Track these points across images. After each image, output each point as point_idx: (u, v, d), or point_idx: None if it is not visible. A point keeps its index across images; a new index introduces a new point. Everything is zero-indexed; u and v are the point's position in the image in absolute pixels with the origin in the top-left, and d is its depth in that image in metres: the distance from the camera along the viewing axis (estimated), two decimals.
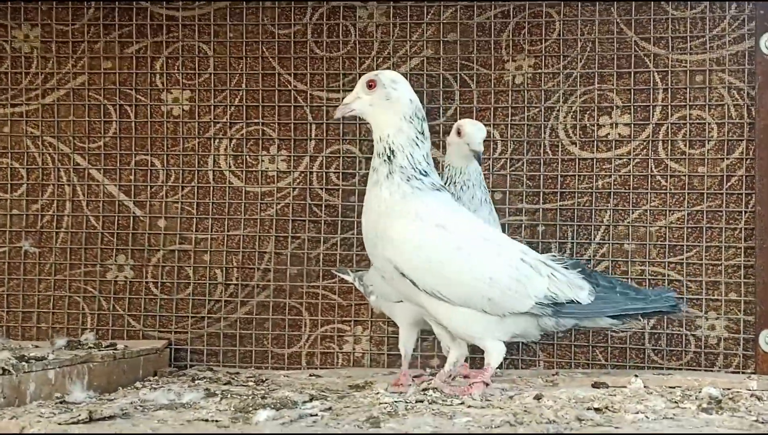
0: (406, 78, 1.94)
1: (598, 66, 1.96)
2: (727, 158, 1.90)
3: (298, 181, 2.05)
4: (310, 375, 1.85)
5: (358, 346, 2.02)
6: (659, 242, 1.92)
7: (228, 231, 2.07)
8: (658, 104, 1.94)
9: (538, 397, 1.30)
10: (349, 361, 2.02)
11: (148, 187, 2.10)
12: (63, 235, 2.11)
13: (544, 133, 1.98)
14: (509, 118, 2.00)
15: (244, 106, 2.07)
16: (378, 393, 1.34)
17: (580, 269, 1.39)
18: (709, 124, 1.91)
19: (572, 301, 1.34)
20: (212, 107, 2.08)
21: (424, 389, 1.36)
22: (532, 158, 1.98)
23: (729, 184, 1.90)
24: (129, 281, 2.09)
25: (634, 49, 1.95)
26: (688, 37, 1.92)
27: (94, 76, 2.11)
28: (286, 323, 2.03)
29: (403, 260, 1.32)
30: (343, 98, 1.93)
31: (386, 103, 1.37)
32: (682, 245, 1.91)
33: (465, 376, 1.54)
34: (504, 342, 1.38)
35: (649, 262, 1.93)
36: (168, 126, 2.09)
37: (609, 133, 1.96)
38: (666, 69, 1.93)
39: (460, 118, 1.98)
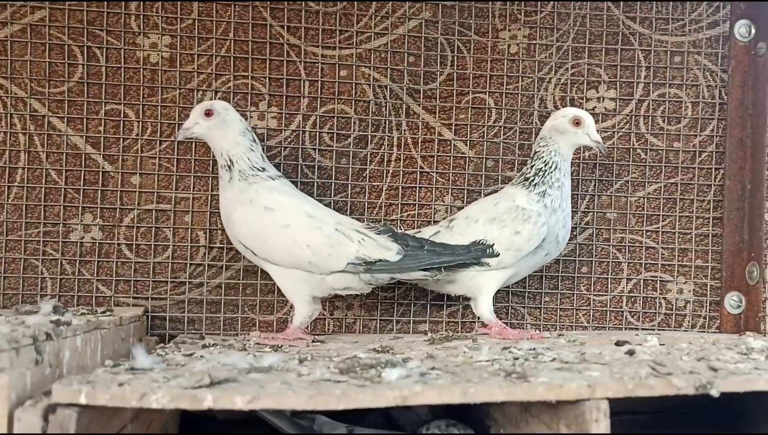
0: (404, 40, 1.95)
1: (588, 41, 2.04)
2: (699, 135, 2.05)
3: (289, 140, 1.96)
4: (314, 341, 1.78)
5: (350, 311, 1.98)
6: (638, 211, 2.05)
7: (212, 190, 1.93)
8: (641, 81, 2.05)
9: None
10: (341, 327, 1.98)
11: (121, 139, 1.91)
12: (17, 190, 1.87)
13: (535, 103, 2.03)
14: (504, 86, 2.02)
15: (232, 57, 1.94)
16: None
17: (390, 234, 1.68)
18: (684, 102, 2.05)
19: (381, 259, 1.64)
20: (195, 56, 1.93)
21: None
22: (523, 127, 2.03)
23: (700, 159, 2.05)
24: (98, 243, 1.89)
25: (621, 27, 2.04)
26: (670, 19, 2.04)
27: (56, 12, 1.87)
28: (276, 289, 1.94)
29: (242, 236, 1.70)
30: (338, 56, 1.91)
31: (223, 126, 1.71)
32: (658, 215, 2.05)
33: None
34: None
35: (628, 229, 2.04)
36: (144, 74, 1.91)
37: (596, 107, 2.04)
38: (649, 48, 2.04)
39: (456, 84, 1.99)
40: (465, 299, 1.95)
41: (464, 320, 2.00)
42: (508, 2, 2.01)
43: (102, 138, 1.89)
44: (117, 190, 1.90)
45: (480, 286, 1.75)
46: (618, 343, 1.63)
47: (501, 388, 0.99)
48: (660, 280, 2.04)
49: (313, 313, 1.76)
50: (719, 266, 2.04)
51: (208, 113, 1.71)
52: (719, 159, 2.05)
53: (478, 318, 1.85)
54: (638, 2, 2.04)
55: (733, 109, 2.03)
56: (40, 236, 1.87)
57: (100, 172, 1.89)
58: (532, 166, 1.79)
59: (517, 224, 1.71)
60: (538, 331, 1.81)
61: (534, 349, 1.41)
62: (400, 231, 1.83)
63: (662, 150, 2.05)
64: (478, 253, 1.69)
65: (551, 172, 1.75)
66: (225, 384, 1.01)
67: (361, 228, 1.70)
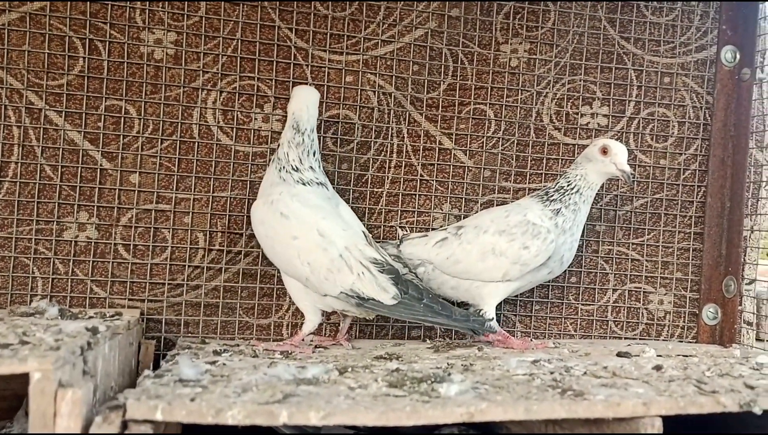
0: (410, 48, 1.96)
1: (584, 58, 2.10)
2: (684, 153, 2.15)
3: None
4: (316, 347, 1.79)
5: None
6: (625, 225, 2.13)
7: (213, 192, 1.90)
8: (632, 99, 2.12)
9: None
10: (338, 331, 1.98)
11: (120, 137, 1.85)
12: (9, 184, 1.80)
13: (532, 116, 2.08)
14: (504, 99, 2.06)
15: (238, 58, 1.91)
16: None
17: (393, 275, 1.63)
18: (671, 121, 2.14)
19: (374, 299, 1.61)
20: (201, 54, 1.89)
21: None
22: (520, 139, 2.08)
23: (684, 176, 2.15)
24: (93, 242, 1.84)
25: (616, 47, 2.11)
26: (661, 41, 2.13)
27: (57, 2, 1.81)
28: (274, 292, 1.93)
29: (256, 232, 1.72)
30: (345, 62, 1.91)
31: (288, 110, 1.77)
32: (643, 229, 2.13)
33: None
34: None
35: (616, 242, 2.12)
36: (148, 70, 1.86)
37: (589, 123, 2.11)
38: (641, 68, 2.13)
39: (458, 94, 2.02)
40: (459, 304, 1.99)
41: None
42: (510, 17, 2.05)
43: (101, 134, 1.84)
44: (115, 189, 1.85)
45: (484, 295, 1.79)
46: (619, 355, 1.69)
47: (562, 405, 1.02)
48: (643, 292, 2.13)
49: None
50: (698, 279, 2.14)
51: (320, 87, 1.82)
52: (702, 177, 2.15)
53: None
54: (633, 24, 2.11)
55: (716, 130, 2.13)
56: (32, 234, 1.81)
57: (98, 170, 1.84)
58: (556, 183, 1.84)
59: (526, 239, 1.75)
60: (542, 341, 1.86)
61: (549, 360, 1.45)
62: (403, 266, 1.82)
63: (649, 166, 2.13)
64: (475, 325, 1.66)
65: (571, 193, 1.79)
66: (292, 399, 1.01)
67: (366, 261, 1.64)
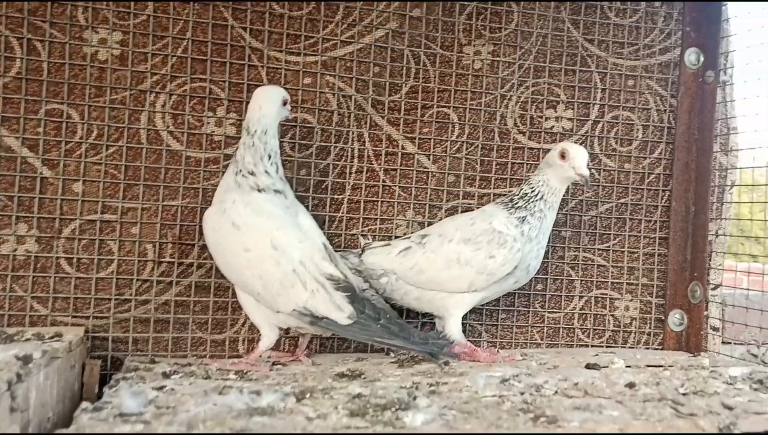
0: (370, 49, 1.89)
1: (548, 61, 2.05)
2: (648, 157, 2.11)
3: None
4: (274, 364, 1.70)
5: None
6: (590, 230, 2.08)
7: (163, 200, 1.80)
8: (596, 102, 2.08)
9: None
10: (296, 346, 1.89)
11: (62, 143, 1.74)
12: None
13: (496, 120, 2.02)
14: (467, 102, 2.00)
15: (189, 59, 1.81)
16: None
17: (349, 293, 1.53)
18: (635, 125, 2.11)
19: (328, 318, 1.52)
20: (149, 55, 1.78)
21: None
22: (485, 143, 2.02)
23: (648, 180, 2.12)
24: (33, 256, 1.72)
25: (579, 49, 2.07)
26: (625, 43, 2.09)
27: None
28: (229, 305, 1.84)
29: (207, 241, 1.62)
30: (303, 63, 1.83)
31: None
32: (609, 234, 2.09)
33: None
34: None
35: (581, 248, 2.08)
36: (92, 72, 1.75)
37: (554, 126, 2.06)
38: (605, 71, 2.08)
39: (421, 97, 1.95)
40: (424, 316, 1.92)
41: None
42: (473, 17, 1.99)
43: (41, 140, 1.72)
44: (56, 199, 1.73)
45: (449, 306, 1.73)
46: (588, 366, 1.64)
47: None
48: (609, 298, 2.09)
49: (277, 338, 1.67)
50: (663, 285, 2.11)
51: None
52: (666, 181, 2.12)
53: (441, 333, 1.82)
54: (596, 25, 2.07)
55: (680, 133, 2.10)
56: None
57: (38, 178, 1.72)
58: (520, 190, 1.78)
59: (492, 248, 1.69)
60: (510, 354, 1.80)
61: (517, 376, 1.39)
62: (361, 278, 1.74)
63: (614, 170, 2.10)
64: (434, 349, 1.56)
65: (536, 200, 1.74)
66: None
67: (321, 277, 1.55)
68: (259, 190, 1.61)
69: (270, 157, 1.63)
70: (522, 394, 1.23)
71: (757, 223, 2.03)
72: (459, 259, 1.69)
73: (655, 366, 1.64)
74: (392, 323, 1.54)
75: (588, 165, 1.73)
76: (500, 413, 1.08)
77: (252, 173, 1.62)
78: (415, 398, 1.17)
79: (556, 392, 1.25)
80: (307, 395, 1.21)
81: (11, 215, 1.70)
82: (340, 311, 1.53)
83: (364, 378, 1.52)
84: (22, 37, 1.70)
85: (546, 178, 1.74)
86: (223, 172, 1.79)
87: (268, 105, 1.65)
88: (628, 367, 1.64)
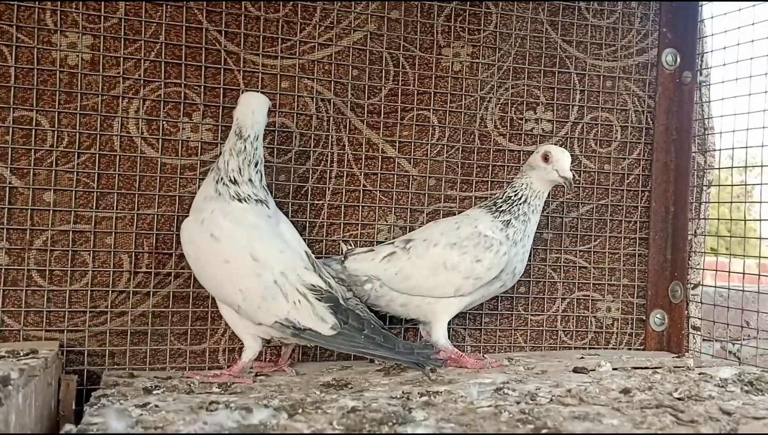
0: (348, 52, 1.86)
1: (527, 62, 2.04)
2: (627, 158, 2.12)
3: None
4: (257, 375, 1.66)
5: None
6: (572, 232, 2.08)
7: (138, 209, 1.75)
8: (575, 104, 2.08)
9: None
10: (278, 355, 1.85)
11: (32, 151, 1.68)
12: None
13: (477, 122, 2.00)
14: (447, 104, 1.98)
15: (162, 63, 1.76)
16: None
17: (332, 304, 1.50)
18: (614, 126, 2.11)
19: (311, 330, 1.48)
20: (121, 59, 1.73)
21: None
22: (465, 146, 2.00)
23: (628, 181, 2.12)
24: (3, 269, 1.65)
25: (558, 50, 2.06)
26: (603, 45, 2.09)
27: None
28: (209, 315, 1.79)
29: (186, 253, 1.57)
30: (280, 66, 1.80)
31: (233, 115, 1.63)
32: (590, 235, 2.09)
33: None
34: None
35: (563, 250, 2.07)
36: (61, 77, 1.69)
37: (534, 128, 2.05)
38: (584, 72, 2.08)
39: (400, 100, 1.93)
40: (408, 322, 1.90)
41: None
42: (452, 19, 1.97)
43: (9, 149, 1.66)
44: (27, 209, 1.67)
45: (437, 312, 1.70)
46: (576, 370, 1.63)
47: None
48: (591, 299, 2.09)
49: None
50: (644, 285, 2.12)
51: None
52: (645, 181, 2.12)
53: (422, 341, 1.80)
54: (575, 27, 2.06)
55: (659, 134, 2.11)
56: None
57: (7, 188, 1.66)
58: (503, 193, 1.76)
59: (478, 252, 1.67)
60: (497, 359, 1.78)
61: (508, 383, 1.37)
62: (345, 286, 1.68)
63: (594, 172, 2.09)
64: (420, 359, 1.48)
65: (519, 203, 1.72)
66: None
67: (303, 288, 1.51)
68: (239, 200, 1.56)
69: (257, 164, 1.60)
70: (518, 403, 1.21)
71: (734, 222, 2.04)
72: (445, 263, 1.66)
73: (642, 368, 1.64)
74: (377, 333, 1.50)
75: (570, 167, 1.72)
76: (499, 425, 1.05)
77: (234, 181, 1.57)
78: (410, 411, 1.14)
79: (551, 400, 1.23)
80: (299, 410, 1.17)
81: None
82: (323, 322, 1.49)
83: (351, 388, 1.48)
84: None
85: (529, 181, 1.73)
86: (201, 180, 1.75)
87: (260, 111, 1.61)
88: (615, 369, 1.63)
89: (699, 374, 1.54)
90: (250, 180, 1.58)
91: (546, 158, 1.69)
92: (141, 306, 1.74)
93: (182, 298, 1.77)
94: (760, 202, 1.91)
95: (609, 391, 1.33)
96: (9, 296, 1.65)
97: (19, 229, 1.66)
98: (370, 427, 1.03)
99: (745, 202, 1.96)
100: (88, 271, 1.70)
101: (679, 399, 1.26)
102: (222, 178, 1.58)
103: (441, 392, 1.31)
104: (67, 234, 1.69)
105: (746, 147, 1.93)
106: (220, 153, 1.63)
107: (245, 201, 1.57)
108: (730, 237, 2.05)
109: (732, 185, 2.02)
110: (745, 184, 1.93)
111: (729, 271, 1.99)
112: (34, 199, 1.67)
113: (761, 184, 1.89)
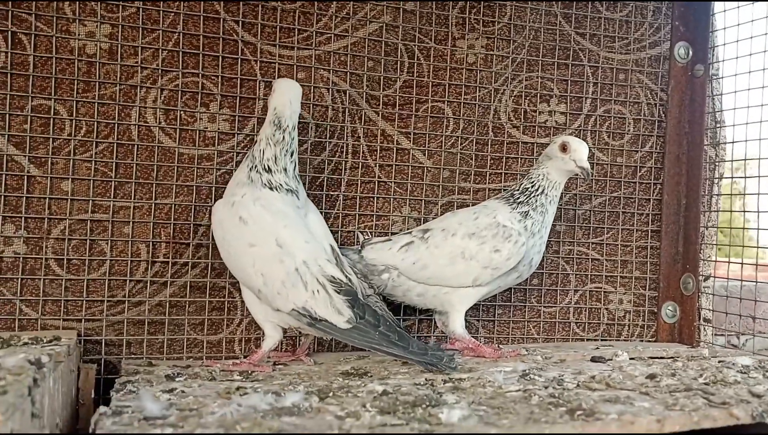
0: (364, 43, 1.86)
1: (541, 55, 2.05)
2: (639, 151, 2.12)
3: (242, 145, 1.81)
4: (275, 364, 1.67)
5: None
6: (584, 224, 2.09)
7: (156, 199, 1.75)
8: (588, 97, 2.09)
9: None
10: (294, 344, 1.86)
11: (50, 140, 1.67)
12: None
13: (490, 114, 2.01)
14: (462, 96, 1.99)
15: (180, 53, 1.76)
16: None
17: (350, 297, 1.50)
18: (627, 119, 2.12)
19: (327, 321, 1.49)
20: (139, 49, 1.73)
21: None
22: (479, 138, 2.00)
23: (640, 174, 2.13)
24: (21, 258, 1.65)
25: (571, 43, 2.07)
26: (616, 37, 2.10)
27: None
28: (225, 305, 1.79)
29: (215, 235, 1.60)
30: (296, 57, 1.80)
31: (270, 101, 1.64)
32: (602, 227, 2.10)
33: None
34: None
35: (576, 242, 2.08)
36: (80, 66, 1.69)
37: (547, 120, 2.06)
38: (597, 65, 2.09)
39: (415, 92, 1.93)
40: (422, 312, 1.91)
41: (420, 334, 1.95)
42: (466, 11, 1.97)
43: (27, 137, 1.65)
44: (45, 198, 1.67)
45: (453, 302, 1.71)
46: (594, 359, 1.64)
47: (575, 428, 0.94)
48: (603, 291, 2.10)
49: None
50: (656, 277, 2.12)
51: (270, 84, 1.69)
52: (657, 174, 2.13)
53: (437, 331, 1.81)
54: (588, 19, 2.07)
55: (671, 127, 2.12)
56: None
57: (25, 177, 1.65)
58: (520, 184, 1.76)
59: (497, 242, 1.67)
60: (515, 349, 1.79)
61: (531, 370, 1.38)
62: (362, 284, 1.65)
63: (607, 164, 2.10)
64: (434, 360, 1.47)
65: (536, 194, 1.72)
66: None
67: (323, 278, 1.51)
68: (271, 188, 1.58)
69: (292, 154, 1.62)
70: (546, 388, 1.22)
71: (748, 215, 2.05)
72: (464, 253, 1.67)
73: (659, 358, 1.65)
74: (392, 331, 1.49)
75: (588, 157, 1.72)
76: (531, 408, 1.06)
77: (268, 170, 1.59)
78: (440, 395, 1.14)
79: (578, 385, 1.23)
80: (329, 394, 1.18)
81: None
82: (339, 315, 1.50)
83: (372, 376, 1.49)
84: (7, 30, 1.63)
85: (546, 172, 1.73)
86: (218, 169, 1.76)
87: (296, 100, 1.63)
88: (632, 359, 1.64)
89: (719, 362, 1.55)
90: (285, 169, 1.60)
91: (564, 148, 1.70)
92: (158, 296, 1.74)
93: (199, 288, 1.77)
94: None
95: (634, 377, 1.34)
96: (27, 285, 1.65)
97: (36, 218, 1.66)
98: (403, 409, 1.03)
99: (758, 195, 1.97)
100: (105, 260, 1.70)
101: (705, 384, 1.27)
102: (256, 166, 1.59)
103: (465, 379, 1.32)
104: (84, 223, 1.69)
105: (759, 139, 1.94)
106: (255, 141, 1.63)
107: (276, 190, 1.58)
108: (732, 228, 2.06)
109: (745, 177, 2.03)
110: (759, 177, 1.93)
111: (741, 263, 2.00)
112: (52, 187, 1.67)
113: None
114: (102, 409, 1.04)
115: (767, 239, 1.93)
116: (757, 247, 2.08)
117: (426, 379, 1.36)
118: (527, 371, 1.37)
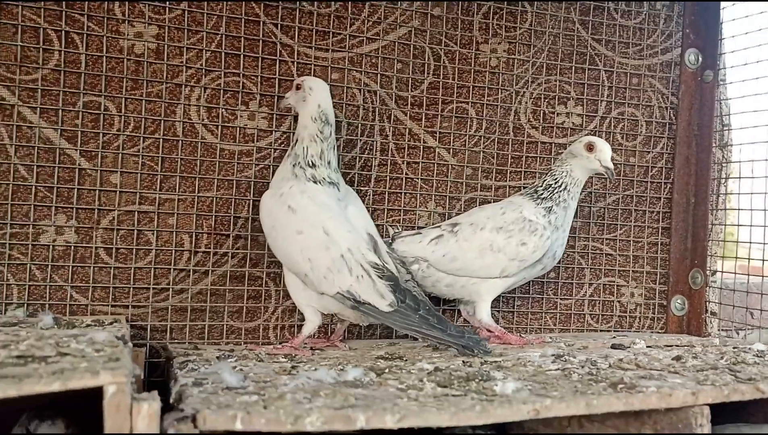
0: (394, 46, 1.96)
1: (559, 59, 2.15)
2: (651, 152, 2.24)
3: (279, 141, 1.90)
4: (312, 349, 1.76)
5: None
6: (599, 221, 2.19)
7: (199, 192, 1.84)
8: (603, 99, 2.19)
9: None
10: (327, 332, 1.95)
11: (100, 135, 1.76)
12: None
13: (511, 115, 2.11)
14: (485, 97, 2.09)
15: (222, 53, 1.85)
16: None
17: (392, 283, 1.59)
18: (639, 121, 2.22)
19: (370, 304, 1.57)
20: (184, 49, 1.82)
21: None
22: (500, 138, 2.11)
23: (651, 173, 2.24)
24: (72, 246, 1.74)
25: (588, 48, 2.17)
26: (630, 44, 2.21)
27: None
28: (262, 294, 1.88)
29: (263, 224, 1.69)
30: (331, 59, 1.89)
31: (302, 104, 1.74)
32: (616, 224, 2.21)
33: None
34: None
35: (591, 237, 2.19)
36: (128, 65, 1.77)
37: (564, 121, 2.16)
38: (612, 69, 2.20)
39: (441, 93, 2.03)
40: (445, 302, 2.00)
41: None
42: (489, 17, 2.07)
43: (79, 132, 1.74)
44: (95, 190, 1.75)
45: (481, 292, 1.80)
46: (614, 347, 1.74)
47: (619, 399, 1.04)
48: (616, 285, 2.20)
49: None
50: (666, 272, 2.23)
51: (297, 86, 1.75)
52: (668, 174, 2.24)
53: (459, 320, 1.91)
54: (603, 26, 2.18)
55: (681, 129, 2.23)
56: (5, 238, 1.69)
57: (76, 170, 1.74)
58: (543, 181, 1.86)
59: (523, 235, 1.77)
60: (539, 337, 1.89)
61: (560, 355, 1.48)
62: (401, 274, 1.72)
63: (620, 164, 2.21)
64: (470, 343, 1.56)
65: (560, 191, 1.83)
66: (359, 403, 0.98)
67: (367, 264, 1.60)
68: (315, 182, 1.68)
69: (335, 148, 1.71)
70: (582, 367, 1.32)
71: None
72: (492, 246, 1.77)
73: (674, 346, 1.75)
74: (431, 315, 1.58)
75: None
76: (573, 383, 1.16)
77: (312, 165, 1.69)
78: (488, 372, 1.24)
79: (610, 366, 1.34)
80: (385, 371, 1.27)
81: (50, 206, 1.72)
82: (381, 298, 1.58)
83: (405, 360, 1.58)
84: (60, 30, 1.71)
85: (569, 169, 1.84)
86: (256, 165, 1.85)
87: (330, 99, 1.75)
88: (649, 347, 1.74)
89: (734, 348, 1.65)
90: (329, 163, 1.69)
91: (590, 148, 1.80)
92: (199, 284, 1.83)
93: (236, 278, 1.86)
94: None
95: (660, 359, 1.45)
96: (77, 273, 1.74)
97: (87, 208, 1.74)
98: (458, 383, 1.13)
99: (766, 194, 2.08)
100: (151, 249, 1.79)
101: (730, 364, 1.37)
102: (299, 163, 1.69)
103: (501, 361, 1.42)
104: (132, 214, 1.78)
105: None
106: (296, 140, 1.73)
107: (320, 183, 1.69)
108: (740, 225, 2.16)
109: (753, 178, 2.14)
110: (767, 177, 2.05)
111: (749, 258, 2.11)
112: (101, 180, 1.75)
113: None
114: (182, 380, 1.13)
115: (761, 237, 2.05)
116: (750, 244, 2.18)
117: (464, 362, 1.46)
118: (560, 354, 1.47)
